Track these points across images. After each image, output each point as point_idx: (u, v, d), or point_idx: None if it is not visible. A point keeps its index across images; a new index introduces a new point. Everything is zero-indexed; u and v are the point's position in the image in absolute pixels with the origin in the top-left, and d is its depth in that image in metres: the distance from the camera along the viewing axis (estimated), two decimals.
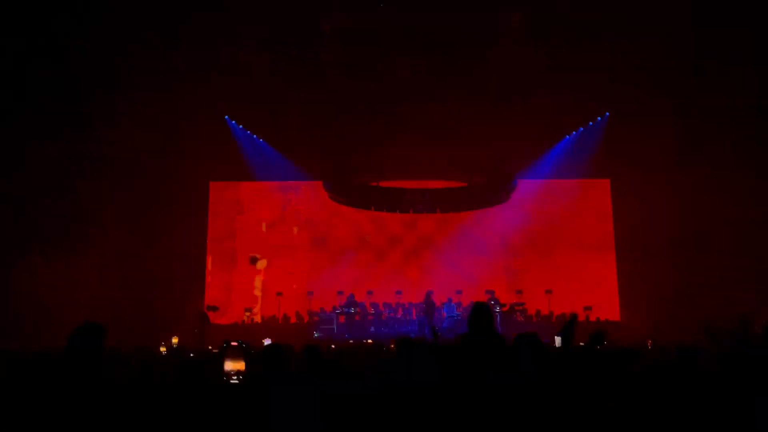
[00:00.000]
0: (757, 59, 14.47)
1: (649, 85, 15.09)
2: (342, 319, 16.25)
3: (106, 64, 14.08)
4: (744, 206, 14.71)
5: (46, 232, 13.67)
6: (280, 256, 18.52)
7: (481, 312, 4.90)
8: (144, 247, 15.76)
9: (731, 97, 14.55)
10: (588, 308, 16.66)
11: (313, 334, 15.91)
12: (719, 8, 13.52)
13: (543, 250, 18.64)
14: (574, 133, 18.04)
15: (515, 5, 13.65)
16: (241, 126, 17.58)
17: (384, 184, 18.48)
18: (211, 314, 15.70)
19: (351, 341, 13.43)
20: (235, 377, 2.84)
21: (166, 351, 6.93)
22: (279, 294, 17.27)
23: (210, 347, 9.69)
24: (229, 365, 2.88)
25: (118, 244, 14.65)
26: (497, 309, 15.78)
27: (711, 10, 13.52)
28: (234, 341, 2.91)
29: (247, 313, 17.04)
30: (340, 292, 16.98)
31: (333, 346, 8.04)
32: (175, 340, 7.32)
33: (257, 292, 18.11)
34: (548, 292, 17.25)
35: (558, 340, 5.56)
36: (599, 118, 17.43)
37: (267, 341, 5.81)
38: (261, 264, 18.28)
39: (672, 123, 14.80)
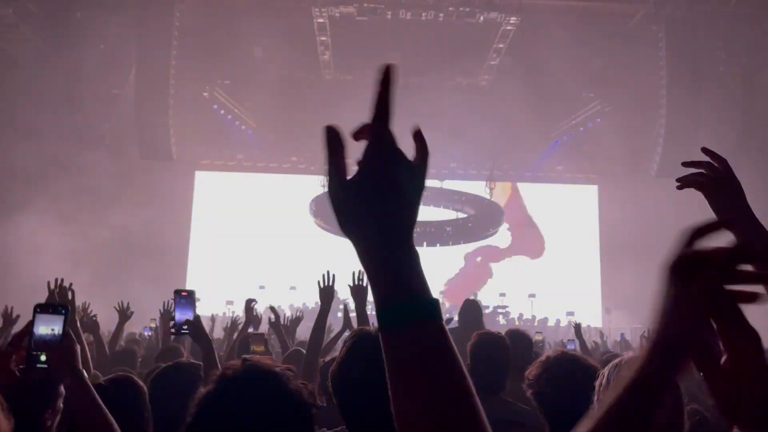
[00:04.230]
0: (747, 67, 14.60)
1: (640, 91, 15.15)
2: None
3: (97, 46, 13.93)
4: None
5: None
6: (263, 248, 18.39)
7: (471, 307, 4.99)
8: (127, 232, 15.55)
9: (721, 102, 14.66)
10: (570, 313, 16.69)
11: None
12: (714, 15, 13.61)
13: (528, 254, 18.67)
14: (564, 138, 18.07)
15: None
16: (230, 116, 17.41)
17: None
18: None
19: None
20: (185, 328, 2.75)
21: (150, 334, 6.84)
22: (262, 287, 17.11)
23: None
24: (181, 315, 2.76)
25: (101, 223, 14.43)
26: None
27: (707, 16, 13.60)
28: (184, 290, 2.77)
29: (229, 306, 16.87)
30: None
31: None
32: (153, 325, 7.19)
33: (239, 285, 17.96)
34: (531, 296, 17.26)
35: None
36: (590, 124, 17.48)
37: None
38: None
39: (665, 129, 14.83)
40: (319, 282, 3.85)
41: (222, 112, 17.28)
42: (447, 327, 0.75)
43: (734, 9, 14.10)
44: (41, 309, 1.83)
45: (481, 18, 13.83)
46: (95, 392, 1.85)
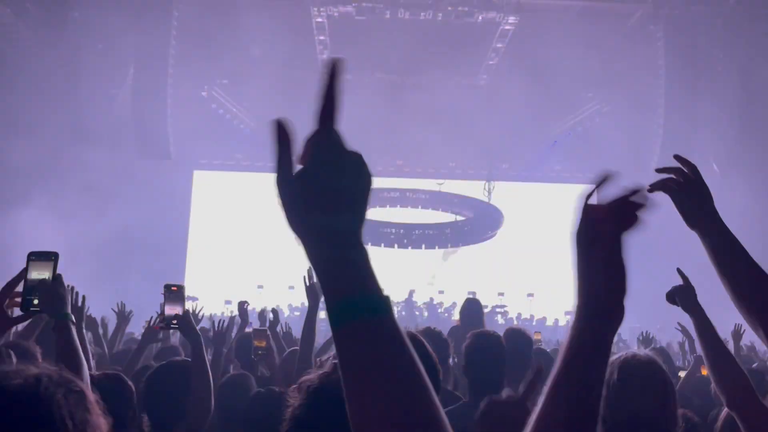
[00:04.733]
0: (746, 66, 14.60)
1: (639, 91, 15.15)
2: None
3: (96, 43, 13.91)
4: (733, 212, 14.75)
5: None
6: (261, 248, 18.37)
7: (472, 306, 5.03)
8: (125, 231, 15.53)
9: (719, 102, 14.66)
10: (569, 313, 16.70)
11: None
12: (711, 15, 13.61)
13: (526, 253, 18.66)
14: (562, 137, 18.08)
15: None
16: (228, 115, 17.40)
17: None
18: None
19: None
20: (174, 323, 2.79)
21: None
22: (260, 287, 17.09)
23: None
24: (170, 310, 2.80)
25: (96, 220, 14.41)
26: None
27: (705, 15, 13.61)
28: (174, 285, 2.81)
29: (227, 306, 16.85)
30: None
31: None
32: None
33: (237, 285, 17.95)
34: (530, 295, 17.27)
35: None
36: (588, 124, 17.48)
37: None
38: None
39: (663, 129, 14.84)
40: (304, 279, 3.77)
41: (220, 111, 17.27)
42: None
43: (733, 8, 14.11)
44: (35, 257, 1.96)
45: (480, 18, 13.84)
46: (76, 336, 1.97)
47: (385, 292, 0.75)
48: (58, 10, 13.75)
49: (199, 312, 4.66)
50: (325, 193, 0.74)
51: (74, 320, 1.99)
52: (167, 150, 15.05)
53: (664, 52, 14.34)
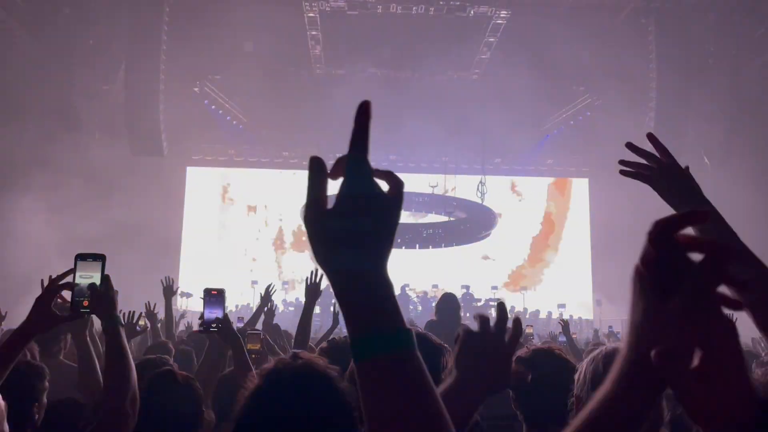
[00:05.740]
0: (737, 59, 14.66)
1: (630, 85, 15.20)
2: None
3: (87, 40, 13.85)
4: (723, 205, 14.83)
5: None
6: (256, 244, 18.37)
7: (448, 300, 5.08)
8: (119, 228, 15.49)
9: (710, 95, 14.73)
10: (562, 305, 16.79)
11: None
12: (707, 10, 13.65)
13: (520, 247, 18.74)
14: (555, 131, 18.12)
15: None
16: (221, 111, 17.35)
17: None
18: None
19: None
20: (214, 326, 2.80)
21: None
22: (254, 282, 17.09)
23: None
24: (210, 314, 2.80)
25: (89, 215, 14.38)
26: (472, 304, 15.84)
27: (696, 9, 13.65)
28: (214, 289, 2.82)
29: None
30: None
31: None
32: (141, 323, 7.18)
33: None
34: (523, 288, 17.36)
35: None
36: (580, 117, 17.53)
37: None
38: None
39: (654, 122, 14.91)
40: (307, 278, 3.86)
41: (213, 107, 17.22)
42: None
43: (723, 1, 14.16)
44: (81, 257, 2.00)
45: (472, 12, 13.85)
46: (125, 338, 2.00)
47: (407, 327, 0.77)
48: (49, 7, 13.67)
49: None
50: (351, 233, 0.75)
51: (123, 323, 2.01)
52: (160, 146, 15.00)
53: (655, 46, 14.38)
